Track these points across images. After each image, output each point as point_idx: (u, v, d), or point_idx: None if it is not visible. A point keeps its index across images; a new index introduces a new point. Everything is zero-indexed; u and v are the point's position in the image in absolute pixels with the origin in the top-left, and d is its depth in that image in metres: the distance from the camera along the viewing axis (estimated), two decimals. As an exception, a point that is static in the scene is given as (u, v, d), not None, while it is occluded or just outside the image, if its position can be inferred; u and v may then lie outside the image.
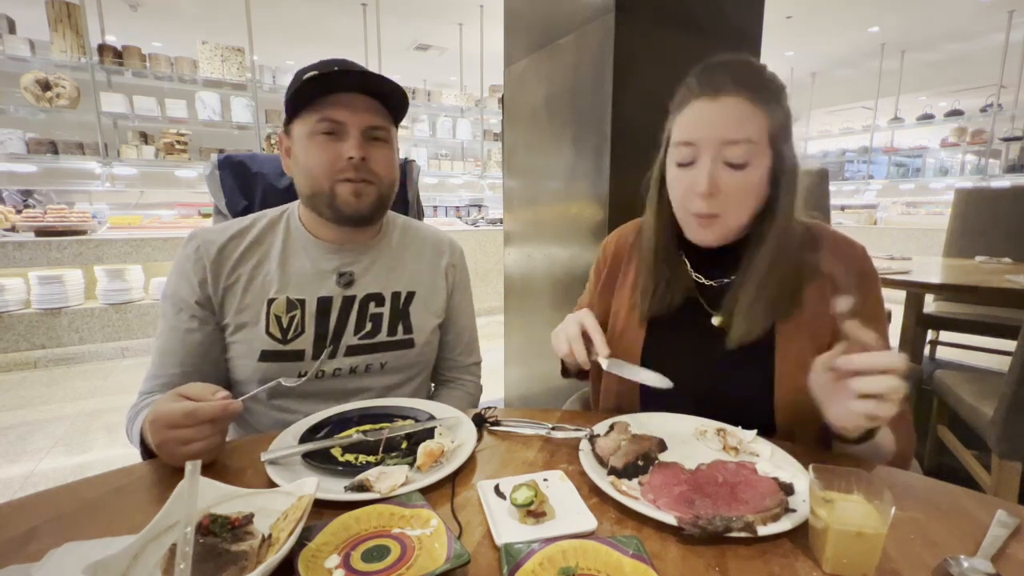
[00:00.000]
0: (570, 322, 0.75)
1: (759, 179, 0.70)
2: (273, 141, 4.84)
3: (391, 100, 0.86)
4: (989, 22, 5.70)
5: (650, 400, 0.80)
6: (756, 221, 0.74)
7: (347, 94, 0.81)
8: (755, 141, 0.68)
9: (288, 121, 0.84)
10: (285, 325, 0.84)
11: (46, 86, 3.86)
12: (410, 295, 0.94)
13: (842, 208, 7.04)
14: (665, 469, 0.58)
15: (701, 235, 0.75)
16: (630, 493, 0.55)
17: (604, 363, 0.72)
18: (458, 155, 7.23)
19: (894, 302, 2.15)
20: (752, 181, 0.70)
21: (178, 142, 4.43)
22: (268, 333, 0.83)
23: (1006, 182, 5.71)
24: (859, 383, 0.55)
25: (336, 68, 0.81)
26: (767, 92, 0.70)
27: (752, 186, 0.70)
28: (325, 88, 0.79)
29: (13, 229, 3.39)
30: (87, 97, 4.07)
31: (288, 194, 1.06)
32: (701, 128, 0.70)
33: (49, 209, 3.49)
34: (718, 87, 0.69)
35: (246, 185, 1.07)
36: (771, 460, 0.62)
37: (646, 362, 0.81)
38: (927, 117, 6.84)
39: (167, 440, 0.60)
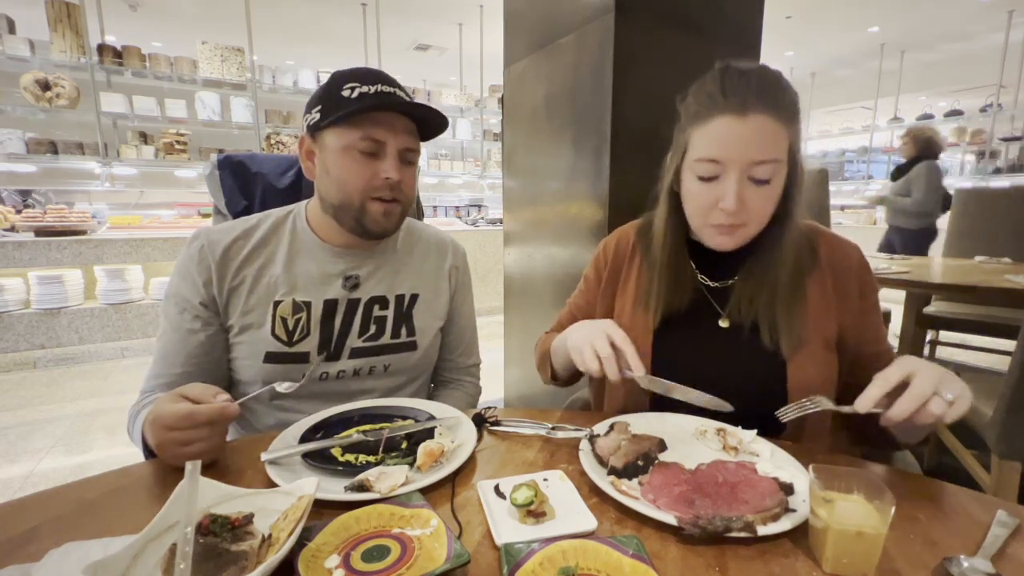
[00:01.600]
0: (597, 334, 0.70)
1: (779, 190, 0.72)
2: (273, 141, 4.84)
3: (427, 124, 0.86)
4: (989, 22, 5.70)
5: (660, 402, 0.79)
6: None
7: (389, 113, 0.81)
8: (780, 160, 0.69)
9: (317, 125, 0.82)
10: (291, 327, 0.84)
11: (46, 86, 3.86)
12: (414, 298, 0.94)
13: (842, 208, 7.04)
14: (665, 469, 0.58)
15: (721, 241, 0.75)
16: (630, 493, 0.55)
17: (643, 381, 0.68)
18: (458, 155, 7.22)
19: (894, 302, 2.15)
20: (775, 194, 0.72)
21: (178, 142, 4.42)
22: (274, 335, 0.83)
23: (1006, 182, 5.71)
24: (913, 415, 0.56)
25: (382, 86, 0.81)
26: (791, 108, 0.70)
27: (774, 197, 0.72)
28: (370, 105, 0.79)
29: (13, 229, 3.38)
30: (87, 97, 4.06)
31: (288, 194, 1.06)
32: (729, 147, 0.68)
33: (49, 209, 3.49)
34: (745, 103, 0.67)
35: (246, 185, 1.06)
36: (771, 460, 0.62)
37: (656, 364, 0.80)
38: (927, 117, 6.84)
39: (166, 441, 0.60)
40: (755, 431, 0.68)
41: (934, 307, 2.44)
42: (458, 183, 7.19)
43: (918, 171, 3.53)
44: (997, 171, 5.93)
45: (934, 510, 0.54)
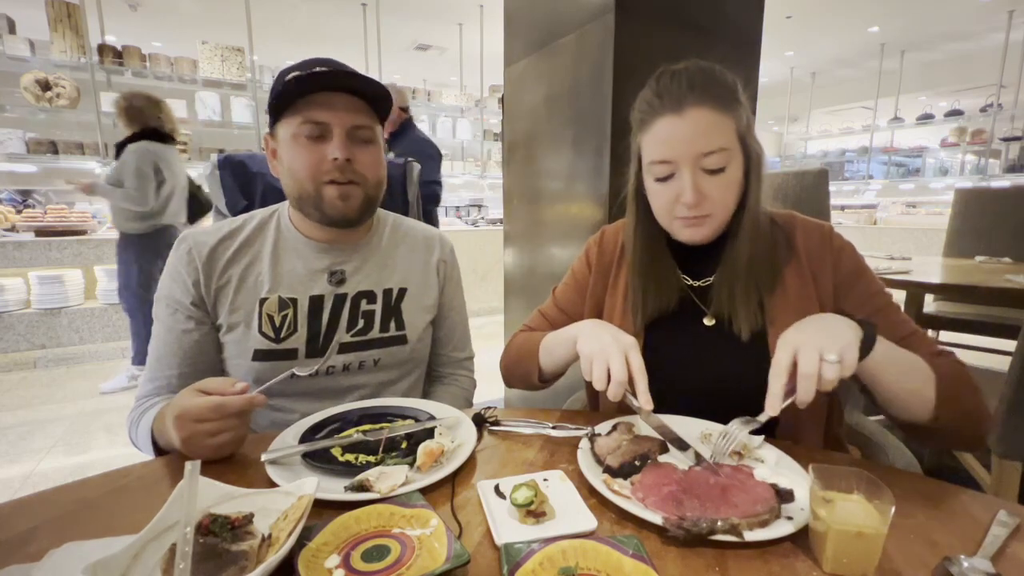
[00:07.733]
0: (615, 352, 0.65)
1: (737, 176, 0.73)
2: (272, 141, 4.84)
3: (375, 98, 0.85)
4: (989, 22, 5.70)
5: (657, 403, 0.79)
6: (735, 213, 0.76)
7: (329, 93, 0.80)
8: (728, 147, 0.70)
9: (273, 123, 0.83)
10: (278, 324, 0.84)
11: (46, 86, 3.86)
12: (402, 292, 0.94)
13: (842, 208, 7.03)
14: (657, 468, 0.58)
15: (691, 234, 0.76)
16: (622, 492, 0.55)
17: (643, 415, 0.65)
18: (458, 155, 7.21)
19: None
20: (733, 180, 0.73)
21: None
22: (261, 332, 0.83)
23: (1006, 182, 5.71)
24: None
25: (317, 68, 0.79)
26: (728, 96, 0.71)
27: (733, 184, 0.73)
28: (306, 88, 0.78)
29: (13, 229, 3.39)
30: (87, 97, 4.06)
31: (288, 194, 1.06)
32: (674, 146, 0.70)
33: (49, 209, 3.49)
34: (680, 101, 0.69)
35: (246, 185, 1.07)
36: (774, 466, 0.61)
37: (647, 366, 0.80)
38: (927, 117, 6.84)
39: (195, 434, 0.61)
40: (763, 436, 0.67)
41: (934, 307, 2.43)
42: (458, 183, 7.17)
43: (129, 152, 2.63)
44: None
45: (934, 510, 0.54)
